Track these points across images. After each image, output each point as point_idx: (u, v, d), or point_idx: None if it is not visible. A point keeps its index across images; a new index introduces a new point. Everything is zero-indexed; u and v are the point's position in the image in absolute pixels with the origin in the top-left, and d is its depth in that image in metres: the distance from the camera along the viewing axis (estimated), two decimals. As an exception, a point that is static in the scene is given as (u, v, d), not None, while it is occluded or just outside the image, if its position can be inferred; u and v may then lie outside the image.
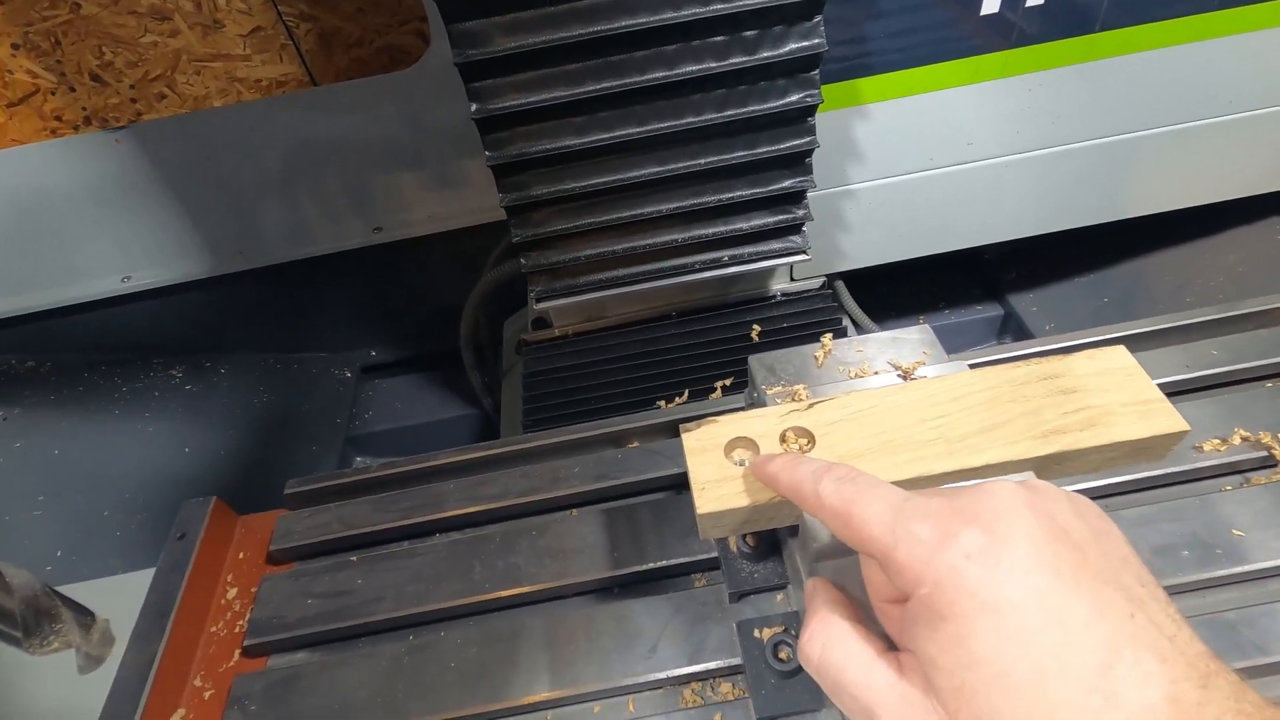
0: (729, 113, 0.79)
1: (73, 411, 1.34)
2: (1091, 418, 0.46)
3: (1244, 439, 0.63)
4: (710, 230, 0.88)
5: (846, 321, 1.12)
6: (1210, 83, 0.97)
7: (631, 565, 0.62)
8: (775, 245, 0.90)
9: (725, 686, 0.56)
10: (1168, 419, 0.45)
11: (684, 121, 0.79)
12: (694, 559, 0.62)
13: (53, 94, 1.17)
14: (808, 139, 0.82)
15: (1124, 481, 0.63)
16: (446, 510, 0.69)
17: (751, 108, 0.79)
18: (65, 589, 0.93)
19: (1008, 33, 0.89)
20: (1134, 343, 0.71)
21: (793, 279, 1.04)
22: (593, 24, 0.72)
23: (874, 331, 1.17)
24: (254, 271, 1.35)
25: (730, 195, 0.85)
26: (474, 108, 0.75)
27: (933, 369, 0.55)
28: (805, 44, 0.75)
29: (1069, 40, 0.91)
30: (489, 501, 0.69)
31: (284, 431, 1.39)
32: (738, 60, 0.75)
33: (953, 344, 0.58)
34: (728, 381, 0.90)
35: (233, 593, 0.70)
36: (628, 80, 0.75)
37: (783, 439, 0.49)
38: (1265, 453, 0.62)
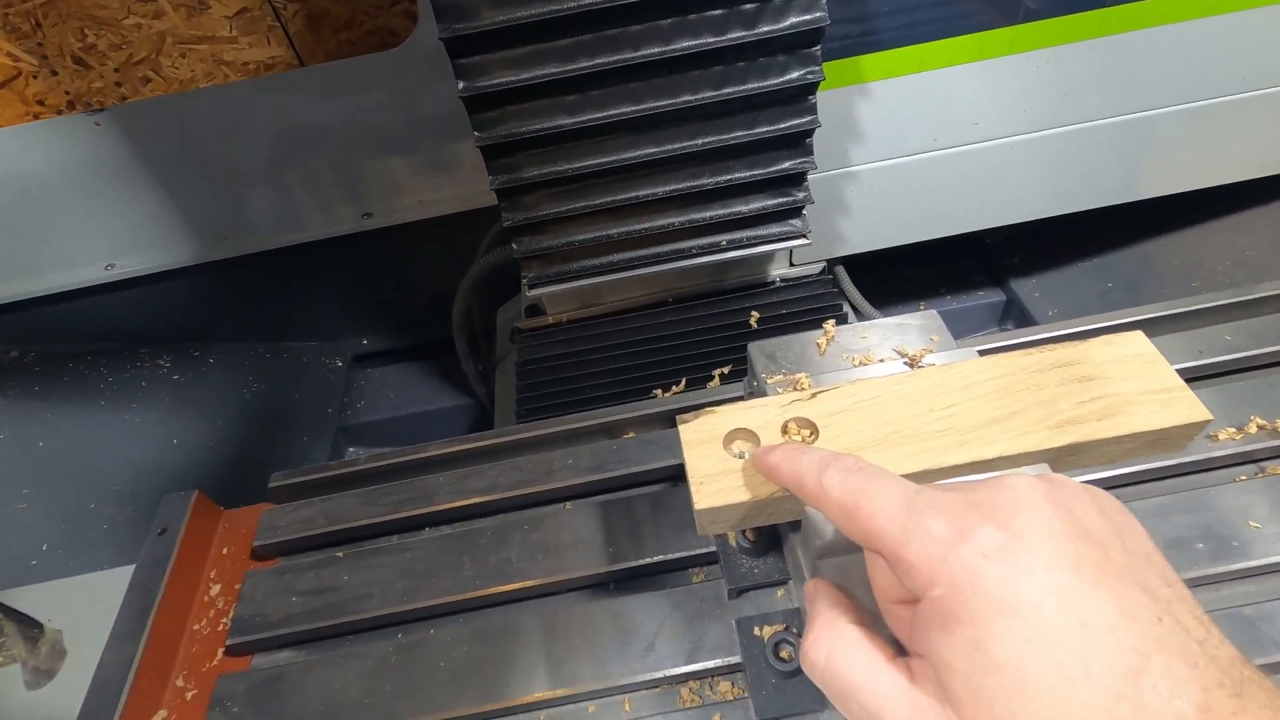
0: (727, 90, 0.76)
1: (58, 402, 1.31)
2: (1109, 407, 0.44)
3: (1260, 427, 0.60)
4: (708, 213, 0.85)
5: (847, 308, 1.09)
6: (1224, 59, 0.94)
7: (627, 560, 0.60)
8: (775, 229, 0.87)
9: (724, 685, 0.54)
10: (1189, 408, 0.43)
11: (680, 100, 0.76)
12: (692, 553, 0.60)
13: (34, 78, 1.14)
14: (809, 118, 0.79)
15: (1136, 471, 0.61)
16: (436, 504, 0.67)
17: (750, 85, 0.76)
18: (50, 585, 0.91)
19: (1015, 8, 0.86)
20: (1145, 328, 0.68)
21: (792, 264, 1.02)
22: (585, -4, 0.69)
23: (875, 318, 1.16)
24: (242, 259, 1.32)
25: (728, 177, 0.82)
26: (461, 85, 0.72)
27: (940, 356, 0.52)
28: (806, 18, 0.72)
29: (1078, 15, 0.88)
30: (480, 495, 0.67)
31: (274, 422, 1.37)
32: (736, 35, 0.72)
33: (955, 330, 0.56)
34: (726, 369, 0.88)
35: (216, 589, 0.67)
36: (622, 56, 0.72)
37: (784, 430, 0.46)
38: (1282, 441, 0.60)
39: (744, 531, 0.55)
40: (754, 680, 0.50)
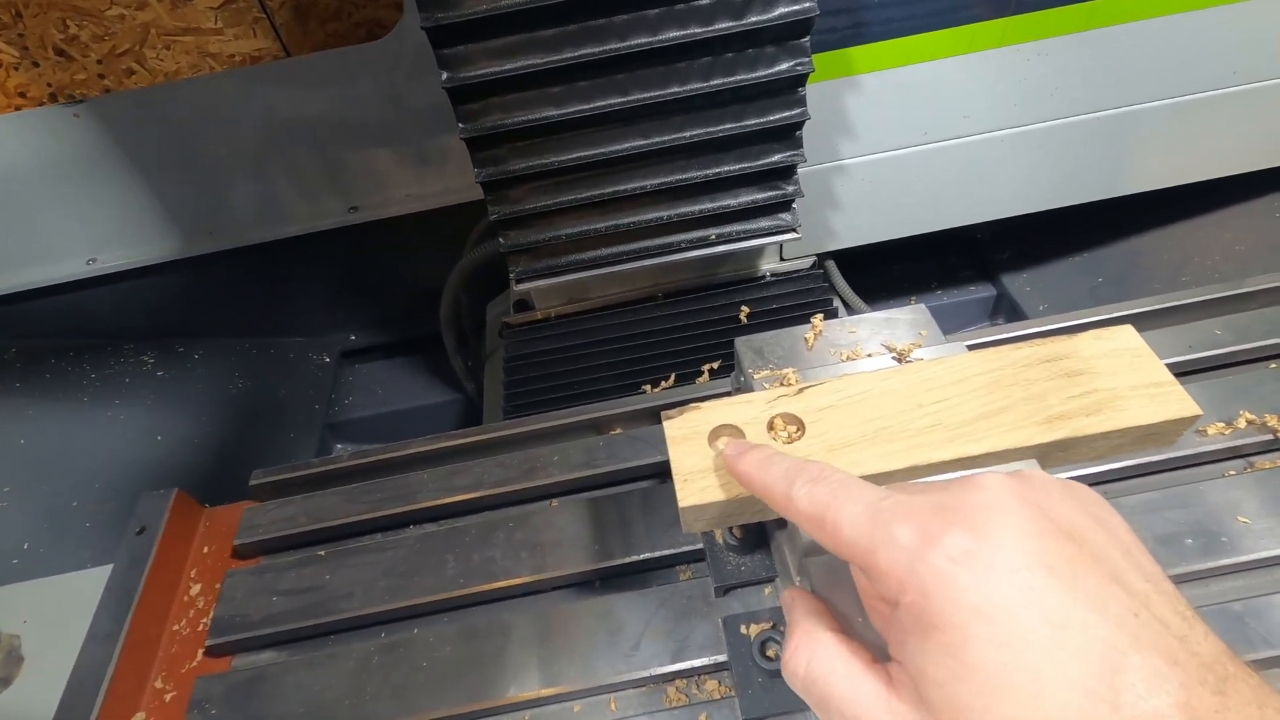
0: (715, 82, 0.75)
1: (40, 399, 1.29)
2: (1099, 402, 0.43)
3: (1249, 422, 0.60)
4: (696, 207, 0.84)
5: (837, 302, 1.09)
6: (1213, 53, 0.94)
7: (613, 558, 0.59)
8: (764, 223, 0.87)
9: (711, 684, 0.54)
10: (1179, 403, 0.43)
11: (668, 91, 0.75)
12: (678, 551, 0.59)
13: (15, 69, 1.12)
14: (798, 110, 0.78)
15: (1124, 467, 0.60)
16: (419, 501, 0.66)
17: (739, 77, 0.75)
18: (29, 585, 0.90)
19: (1005, 0, 0.86)
20: (1134, 322, 0.67)
21: (782, 258, 1.01)
22: (570, -14, 0.68)
23: (866, 313, 1.15)
24: (226, 253, 1.30)
25: (717, 170, 0.81)
26: (444, 76, 0.70)
27: (929, 351, 0.52)
28: (795, 8, 0.71)
29: (1068, 8, 0.87)
30: (464, 492, 0.66)
31: (260, 418, 1.35)
32: (724, 25, 0.71)
33: (945, 325, 0.55)
34: (715, 365, 0.87)
35: (196, 589, 0.66)
36: (608, 47, 0.71)
37: (770, 426, 0.46)
38: (1271, 435, 0.60)
39: (731, 529, 0.54)
40: (740, 679, 0.49)
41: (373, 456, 0.69)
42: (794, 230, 0.86)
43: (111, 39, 1.12)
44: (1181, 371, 0.66)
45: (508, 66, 0.71)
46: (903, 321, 0.56)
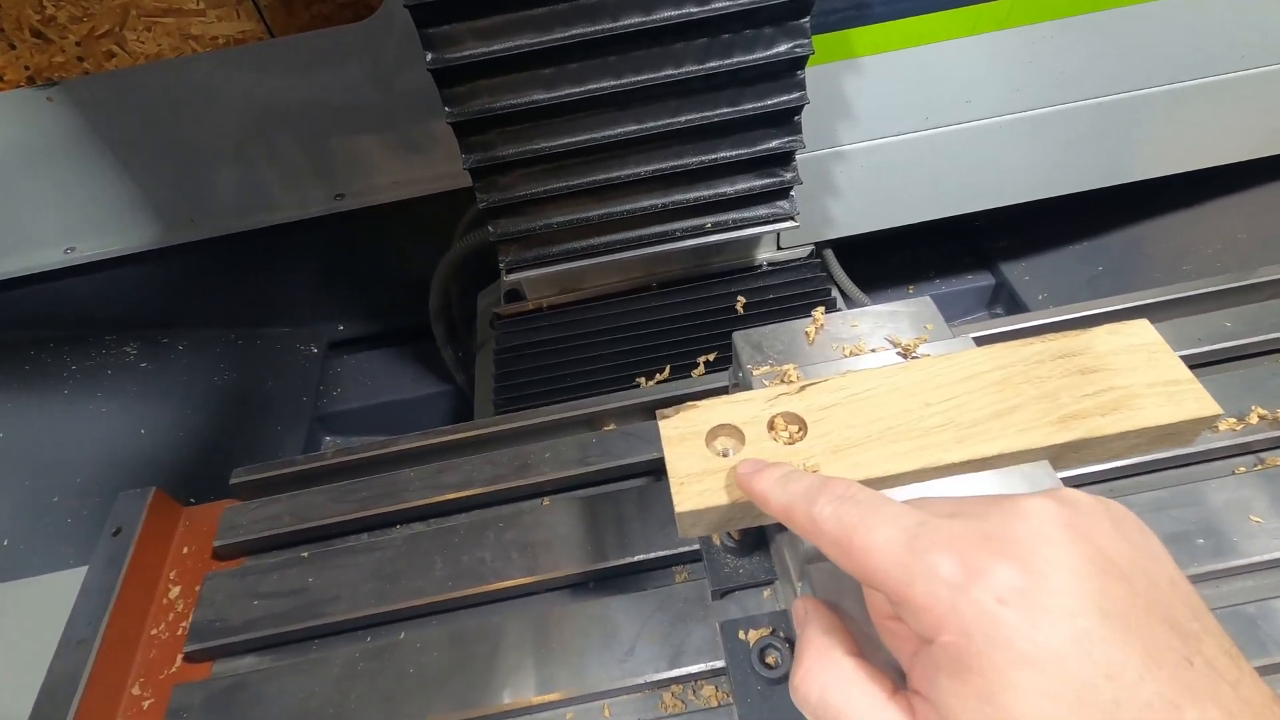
0: (711, 64, 0.72)
1: (19, 392, 1.26)
2: (1114, 400, 0.41)
3: (1261, 417, 0.59)
4: (692, 195, 0.82)
5: (835, 292, 1.07)
6: (1224, 35, 0.91)
7: (607, 559, 0.58)
8: (762, 211, 0.84)
9: (708, 690, 0.52)
10: (1198, 402, 0.41)
11: (662, 74, 0.72)
12: (674, 552, 0.57)
13: (-9, 52, 1.08)
14: (797, 94, 0.75)
15: (1131, 464, 0.59)
16: (407, 500, 0.63)
17: (736, 59, 0.72)
18: (7, 585, 0.87)
19: (1011, -20, 0.83)
20: (1141, 314, 0.66)
21: (779, 247, 0.99)
22: (561, -38, 0.65)
23: (863, 302, 1.13)
24: (209, 241, 1.27)
25: (713, 156, 0.79)
26: (429, 57, 0.67)
27: (935, 346, 0.50)
28: (795, -13, 0.68)
29: (1075, -11, 0.85)
30: (453, 490, 0.64)
31: (247, 411, 1.33)
32: (721, 5, 0.68)
33: (943, 315, 0.53)
34: (711, 356, 0.85)
35: (175, 591, 0.64)
36: (600, 27, 0.68)
37: (771, 426, 0.44)
38: (1282, 431, 0.58)
39: (728, 530, 0.52)
40: (738, 688, 0.47)
41: (358, 454, 0.67)
42: (792, 218, 0.84)
43: (90, 20, 1.08)
44: (1191, 365, 0.64)
45: (496, 47, 0.68)
46: (907, 314, 0.54)
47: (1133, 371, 0.42)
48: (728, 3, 0.68)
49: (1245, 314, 0.67)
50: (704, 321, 0.93)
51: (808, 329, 0.53)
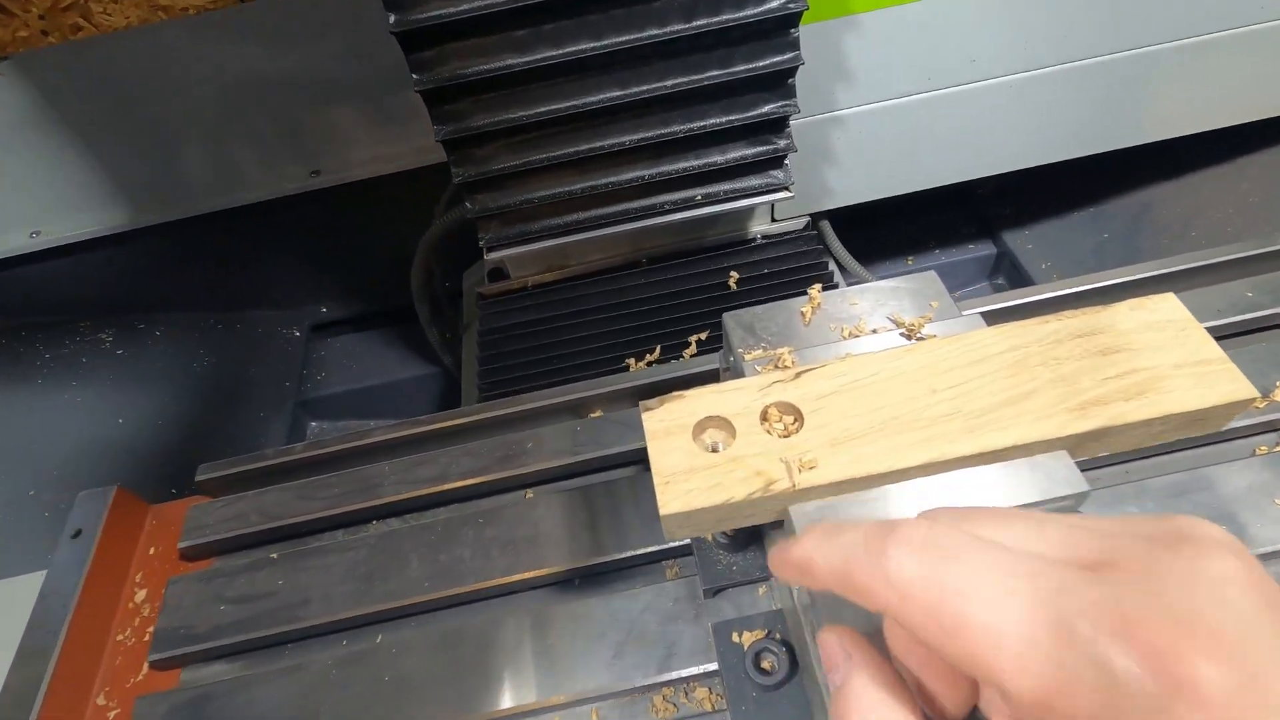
0: (698, 23, 0.67)
1: (-10, 382, 1.22)
2: (1139, 384, 0.38)
3: (1285, 393, 0.55)
4: (681, 165, 0.77)
5: (833, 266, 1.02)
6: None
7: (593, 555, 0.54)
8: (754, 181, 0.80)
9: (701, 692, 0.49)
10: (1232, 384, 0.37)
11: (646, 34, 0.67)
12: (664, 546, 0.54)
13: (-52, 26, 1.02)
14: (790, 55, 0.71)
15: (1148, 443, 0.55)
16: (381, 496, 0.60)
17: (725, 16, 0.67)
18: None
19: (1018, -73, 0.78)
20: (1157, 284, 0.63)
21: (774, 219, 0.94)
22: (531, -89, 0.59)
23: (862, 276, 1.09)
24: (181, 223, 1.22)
25: (702, 123, 0.74)
26: (392, 20, 0.62)
27: (942, 325, 0.46)
28: (787, -64, 0.63)
29: (1086, -63, 0.79)
30: (429, 484, 0.60)
31: (228, 398, 1.29)
32: (708, -43, 0.63)
33: (945, 286, 0.49)
34: (703, 335, 0.81)
35: (142, 595, 0.61)
36: (577, -17, 0.63)
37: (764, 417, 0.40)
38: (1309, 408, 0.55)
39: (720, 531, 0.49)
40: (732, 695, 0.44)
41: (330, 447, 0.63)
42: (786, 189, 0.79)
43: (55, -10, 1.02)
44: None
45: (464, 6, 0.63)
46: (910, 291, 0.50)
47: (1159, 351, 0.39)
48: (715, -46, 0.63)
49: (1269, 283, 0.63)
50: (695, 299, 0.89)
51: (803, 309, 0.49)
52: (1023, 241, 1.34)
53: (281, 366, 1.35)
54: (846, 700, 0.27)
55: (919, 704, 0.26)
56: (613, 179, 0.77)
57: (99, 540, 0.60)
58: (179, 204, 1.21)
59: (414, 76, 0.66)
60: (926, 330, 0.46)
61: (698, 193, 0.80)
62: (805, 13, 0.68)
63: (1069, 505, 0.37)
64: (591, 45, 0.67)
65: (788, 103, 0.74)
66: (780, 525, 0.44)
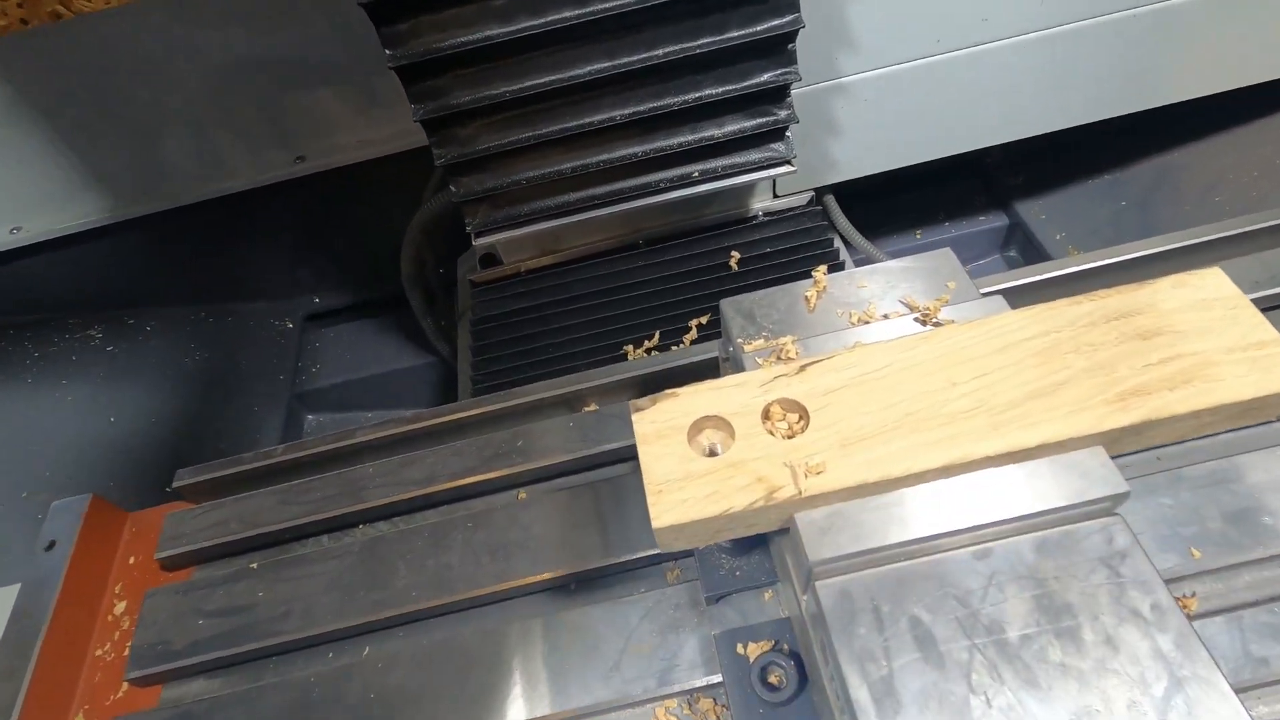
0: (691, -15, 0.62)
1: (-22, 383, 1.20)
2: (1185, 371, 0.34)
3: (1332, 371, 0.51)
4: (675, 140, 0.73)
5: (838, 242, 0.98)
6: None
7: (589, 560, 0.51)
8: (754, 155, 0.75)
9: (706, 703, 0.46)
10: (1290, 369, 0.33)
11: (634, -1, 0.63)
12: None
13: (-91, 14, 0.97)
14: (790, 17, 0.66)
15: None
16: (366, 500, 0.57)
17: (719, -23, 0.62)
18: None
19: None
20: (1192, 255, 0.58)
21: (776, 195, 0.90)
22: None
23: (869, 253, 1.05)
24: (166, 214, 1.19)
25: (697, 95, 0.70)
26: (361, -11, 0.58)
27: (961, 309, 0.42)
28: (784, -114, 0.58)
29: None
30: (417, 486, 0.57)
31: (222, 392, 1.26)
32: (698, -89, 0.59)
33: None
34: (703, 319, 0.78)
35: (121, 607, 0.59)
36: (558, -56, 0.59)
37: (766, 416, 0.36)
38: (1357, 386, 0.50)
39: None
40: (738, 711, 0.41)
41: (313, 448, 0.60)
42: (788, 162, 0.75)
43: (31, -22, 0.97)
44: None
45: (437, -26, 0.58)
46: (923, 270, 0.46)
47: (1206, 334, 0.35)
48: (706, -92, 0.58)
49: (1310, 251, 0.58)
50: (695, 280, 0.85)
51: (808, 293, 0.45)
52: (1036, 212, 1.29)
53: (276, 359, 1.32)
54: None
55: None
56: (604, 157, 0.73)
57: (73, 552, 0.58)
58: (161, 195, 1.18)
59: (387, 52, 0.62)
60: (943, 315, 0.42)
61: (694, 169, 0.76)
62: (805, -29, 0.63)
63: (1106, 508, 0.33)
64: (576, 12, 0.62)
65: (788, 70, 0.70)
66: (785, 531, 0.41)
